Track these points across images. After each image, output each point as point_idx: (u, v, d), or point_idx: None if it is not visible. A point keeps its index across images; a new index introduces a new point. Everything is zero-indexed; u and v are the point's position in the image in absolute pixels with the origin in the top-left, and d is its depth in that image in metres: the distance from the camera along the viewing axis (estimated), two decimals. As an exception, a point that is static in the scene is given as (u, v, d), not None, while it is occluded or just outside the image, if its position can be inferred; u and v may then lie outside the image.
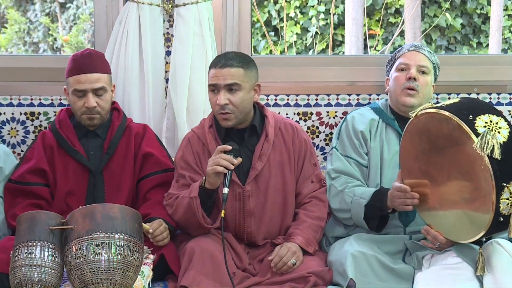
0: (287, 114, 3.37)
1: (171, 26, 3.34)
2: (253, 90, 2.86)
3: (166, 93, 3.35)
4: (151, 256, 2.68)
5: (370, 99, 3.39)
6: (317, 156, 3.38)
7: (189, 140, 2.95)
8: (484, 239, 2.56)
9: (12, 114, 3.37)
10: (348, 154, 3.01)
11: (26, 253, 2.38)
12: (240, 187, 2.86)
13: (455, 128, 2.44)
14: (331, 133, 3.40)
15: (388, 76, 3.14)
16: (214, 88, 2.81)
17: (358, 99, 3.40)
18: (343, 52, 8.52)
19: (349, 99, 3.40)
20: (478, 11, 8.88)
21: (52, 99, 3.37)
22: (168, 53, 3.35)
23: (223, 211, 2.62)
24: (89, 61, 2.94)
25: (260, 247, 2.91)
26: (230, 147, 2.71)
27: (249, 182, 2.87)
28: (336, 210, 2.97)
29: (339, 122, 3.35)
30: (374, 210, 2.84)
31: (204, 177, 2.74)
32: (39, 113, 3.37)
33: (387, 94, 3.15)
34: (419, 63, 3.01)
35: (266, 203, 2.89)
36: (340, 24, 8.69)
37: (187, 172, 2.88)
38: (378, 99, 3.35)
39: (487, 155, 2.35)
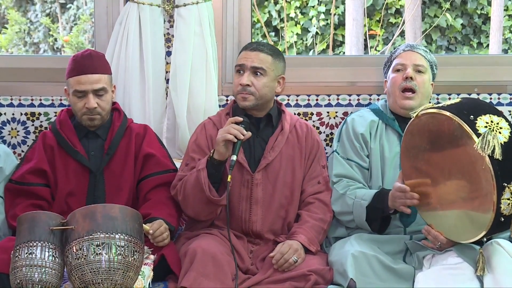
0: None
1: (172, 26, 3.35)
2: (277, 81, 2.91)
3: (166, 93, 3.35)
4: (152, 256, 2.68)
5: (370, 99, 3.39)
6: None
7: (205, 125, 3.00)
8: (485, 239, 2.56)
9: (13, 114, 3.37)
10: (349, 157, 3.01)
11: (26, 253, 2.39)
12: (250, 174, 2.89)
13: (456, 128, 2.44)
14: (332, 134, 3.40)
15: (386, 78, 3.14)
16: (240, 69, 2.88)
17: (358, 100, 3.40)
18: (344, 53, 8.52)
19: (350, 100, 3.41)
20: (479, 12, 8.88)
21: (52, 100, 3.37)
22: (168, 53, 3.35)
23: (229, 176, 2.67)
24: (89, 62, 2.94)
25: (263, 245, 2.91)
26: (241, 119, 2.77)
27: (259, 171, 2.89)
28: (338, 214, 2.97)
29: (339, 122, 3.35)
30: (376, 211, 2.84)
31: (213, 149, 2.76)
32: (39, 114, 3.38)
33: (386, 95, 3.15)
34: (415, 62, 3.01)
35: (274, 193, 2.91)
36: (341, 24, 8.69)
37: (197, 155, 2.90)
38: (378, 99, 3.35)
39: (488, 156, 2.35)
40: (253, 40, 3.53)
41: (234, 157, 2.71)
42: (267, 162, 2.91)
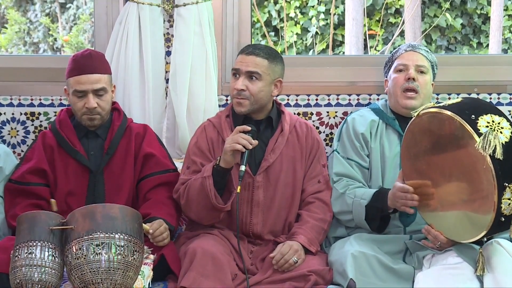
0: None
1: (171, 26, 3.34)
2: (274, 84, 2.89)
3: (166, 93, 3.35)
4: (151, 256, 2.68)
5: (370, 99, 3.39)
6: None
7: (205, 127, 2.99)
8: (485, 239, 2.56)
9: (13, 114, 3.37)
10: (349, 156, 3.01)
11: (26, 253, 2.38)
12: (251, 177, 2.88)
13: (457, 127, 2.44)
14: (332, 133, 3.40)
15: (386, 77, 3.14)
16: (235, 72, 2.87)
17: (358, 99, 3.40)
18: (343, 52, 8.52)
19: (349, 99, 3.40)
20: (478, 11, 8.88)
21: (52, 99, 3.37)
22: (168, 53, 3.35)
23: (239, 187, 2.69)
24: (89, 62, 2.94)
25: (263, 246, 2.91)
26: (249, 128, 2.76)
27: (260, 173, 2.89)
28: (337, 213, 2.97)
29: (339, 122, 3.35)
30: (375, 211, 2.84)
31: (218, 157, 2.76)
32: (39, 113, 3.37)
33: (386, 94, 3.14)
34: (417, 63, 3.01)
35: (275, 195, 2.91)
36: (340, 24, 8.70)
37: (199, 159, 2.89)
38: (378, 99, 3.35)
39: (489, 155, 2.35)
40: (252, 41, 3.53)
41: (243, 168, 2.71)
42: (268, 164, 2.90)
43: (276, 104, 3.01)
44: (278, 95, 2.99)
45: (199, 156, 2.91)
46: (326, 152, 3.33)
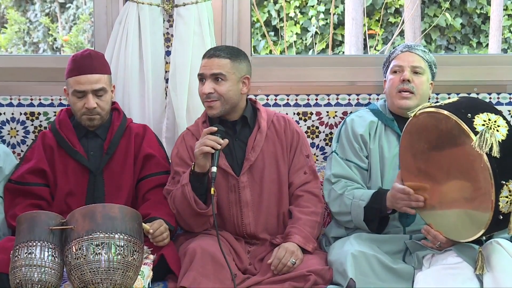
0: (287, 114, 3.37)
1: (171, 26, 3.34)
2: (241, 82, 2.89)
3: (166, 93, 3.35)
4: (151, 256, 2.68)
5: (370, 99, 3.39)
6: (317, 156, 3.38)
7: (184, 137, 2.99)
8: (484, 238, 2.57)
9: (12, 114, 3.37)
10: (348, 157, 3.00)
11: (26, 253, 2.38)
12: (235, 179, 2.88)
13: (453, 126, 2.44)
14: (331, 133, 3.40)
15: (385, 77, 3.14)
16: (201, 78, 2.87)
17: (358, 99, 3.40)
18: (343, 52, 8.53)
19: (349, 99, 3.40)
20: (478, 11, 8.89)
21: (52, 99, 3.37)
22: (168, 53, 3.35)
23: (212, 189, 2.66)
24: (89, 62, 2.94)
25: (260, 245, 2.92)
26: (215, 129, 2.75)
27: (243, 173, 2.89)
28: (336, 214, 2.96)
29: (339, 122, 3.35)
30: (373, 212, 2.83)
31: (193, 163, 2.76)
32: (39, 113, 3.38)
33: (386, 94, 3.15)
34: (412, 64, 3.00)
35: (262, 193, 2.91)
36: (340, 24, 8.70)
37: (181, 168, 2.89)
38: (377, 99, 3.35)
39: (486, 153, 2.35)
40: (252, 40, 3.52)
41: (214, 169, 2.69)
42: (250, 163, 2.90)
43: (251, 102, 3.00)
44: (248, 93, 2.97)
45: (181, 166, 2.91)
46: (325, 152, 3.33)
